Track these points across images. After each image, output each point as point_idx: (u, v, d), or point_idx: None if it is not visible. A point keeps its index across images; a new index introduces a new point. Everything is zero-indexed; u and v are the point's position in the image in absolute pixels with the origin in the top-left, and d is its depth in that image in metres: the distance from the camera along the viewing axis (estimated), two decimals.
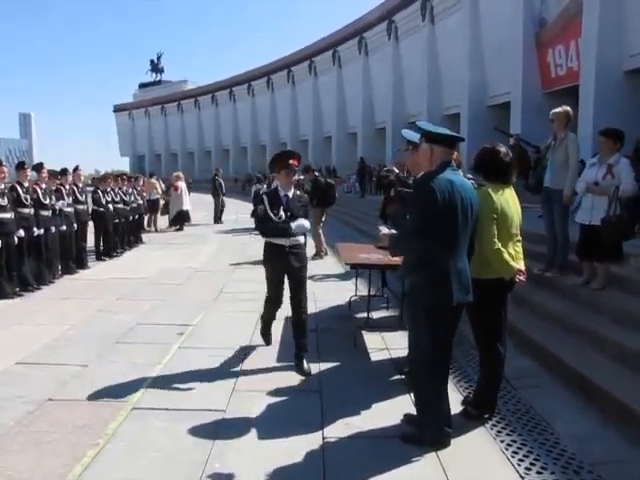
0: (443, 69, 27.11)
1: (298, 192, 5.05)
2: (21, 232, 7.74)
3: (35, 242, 8.16)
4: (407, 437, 3.52)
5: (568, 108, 6.14)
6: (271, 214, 4.76)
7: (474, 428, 3.75)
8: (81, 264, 9.98)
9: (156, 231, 16.53)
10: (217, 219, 18.96)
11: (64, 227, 9.10)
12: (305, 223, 4.82)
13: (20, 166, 8.24)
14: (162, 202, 17.07)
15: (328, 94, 39.84)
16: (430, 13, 27.98)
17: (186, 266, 10.27)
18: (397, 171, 10.55)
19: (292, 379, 4.66)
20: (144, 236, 14.61)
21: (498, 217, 3.61)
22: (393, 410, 3.97)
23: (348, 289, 7.95)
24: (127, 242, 12.92)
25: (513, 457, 3.39)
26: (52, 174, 9.16)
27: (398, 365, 4.94)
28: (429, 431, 3.46)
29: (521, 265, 3.80)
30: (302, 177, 11.29)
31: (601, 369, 4.35)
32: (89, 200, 10.87)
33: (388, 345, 5.55)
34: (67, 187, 9.47)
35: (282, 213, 4.70)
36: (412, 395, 4.18)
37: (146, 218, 16.06)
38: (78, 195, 9.91)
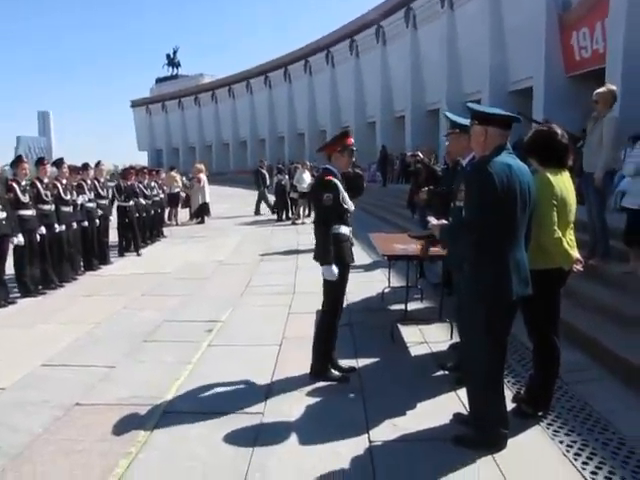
0: (463, 55, 26.55)
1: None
2: (42, 229, 7.62)
3: (57, 238, 8.03)
4: (460, 439, 3.29)
5: (613, 87, 5.80)
6: (345, 203, 4.32)
7: (529, 427, 3.52)
8: (104, 260, 9.87)
9: (177, 224, 16.45)
10: (257, 211, 18.88)
11: (86, 222, 8.99)
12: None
13: (39, 162, 8.13)
14: (183, 195, 16.92)
15: (345, 84, 39.38)
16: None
17: (210, 259, 10.11)
18: (422, 156, 10.23)
19: None
20: (165, 230, 14.47)
21: (558, 203, 3.39)
22: (440, 409, 3.74)
23: (378, 280, 7.74)
24: (149, 237, 12.81)
25: (576, 460, 3.15)
26: (73, 169, 9.06)
27: (439, 360, 4.72)
28: (485, 433, 3.24)
29: (576, 253, 3.56)
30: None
31: None
32: (110, 195, 10.74)
33: (427, 338, 5.34)
34: (89, 182, 9.34)
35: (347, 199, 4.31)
36: (458, 393, 3.96)
37: (167, 212, 15.93)
38: (100, 190, 9.79)
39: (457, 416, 3.60)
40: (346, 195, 4.28)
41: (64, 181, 8.46)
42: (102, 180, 10.28)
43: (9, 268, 7.26)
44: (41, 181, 7.91)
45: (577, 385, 4.10)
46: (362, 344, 5.20)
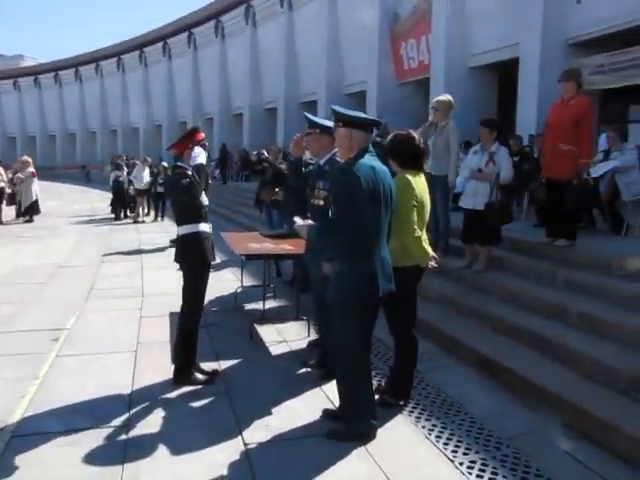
0: (301, 56, 27.18)
1: None
2: None
3: None
4: (333, 434, 3.38)
5: (451, 97, 6.35)
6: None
7: (394, 416, 3.72)
8: None
9: (1, 223, 14.71)
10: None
11: None
12: None
13: None
14: (8, 191, 15.20)
15: (183, 78, 38.13)
16: (289, 0, 27.84)
17: (45, 262, 9.23)
18: (267, 155, 10.46)
19: None
20: None
21: (417, 204, 3.59)
22: (309, 406, 3.81)
23: (228, 280, 7.70)
24: None
25: (438, 441, 3.40)
26: None
27: (300, 357, 4.77)
28: (356, 425, 3.36)
29: (431, 251, 3.80)
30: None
31: (497, 346, 4.56)
32: None
33: (285, 337, 5.39)
34: None
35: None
36: (323, 389, 4.05)
37: None
38: None
39: (326, 412, 3.68)
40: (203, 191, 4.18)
41: None
42: None
43: None
44: None
45: (430, 373, 4.41)
46: (221, 346, 5.11)
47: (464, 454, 3.22)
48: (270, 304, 6.30)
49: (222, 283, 7.34)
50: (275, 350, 5.05)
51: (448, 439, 3.41)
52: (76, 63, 49.65)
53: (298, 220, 3.50)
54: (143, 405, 3.84)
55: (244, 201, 15.59)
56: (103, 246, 11.12)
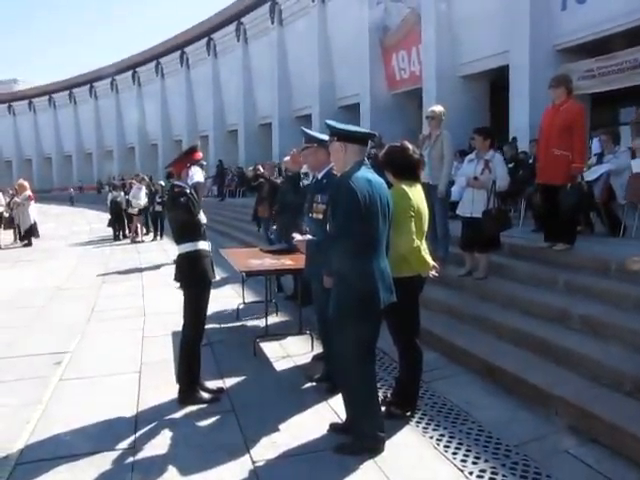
0: (293, 71, 27.32)
1: None
2: None
3: None
4: (341, 448, 3.36)
5: (442, 108, 6.40)
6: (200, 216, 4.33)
7: (401, 428, 3.70)
8: None
9: (0, 248, 14.67)
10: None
11: None
12: None
13: None
14: (6, 215, 15.16)
15: (177, 96, 38.28)
16: (279, 16, 28.02)
17: (46, 285, 9.19)
18: (262, 170, 10.44)
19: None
20: None
21: (414, 214, 3.59)
22: (316, 421, 3.79)
23: (229, 296, 7.65)
24: None
25: (446, 451, 3.38)
26: None
27: (305, 372, 4.76)
28: (364, 438, 3.33)
29: (431, 260, 3.81)
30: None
31: (500, 352, 4.55)
32: None
33: (289, 352, 5.36)
34: None
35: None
36: (329, 403, 4.03)
37: None
38: None
39: (333, 426, 3.66)
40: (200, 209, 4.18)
41: None
42: None
43: None
44: None
45: (436, 382, 4.40)
46: (225, 363, 5.08)
47: (473, 463, 3.21)
48: (272, 320, 6.29)
49: (223, 300, 7.30)
50: (279, 365, 5.03)
51: (457, 448, 3.39)
52: (70, 85, 49.81)
53: (297, 235, 3.55)
54: (149, 426, 3.81)
55: (242, 217, 15.60)
56: (103, 267, 11.06)
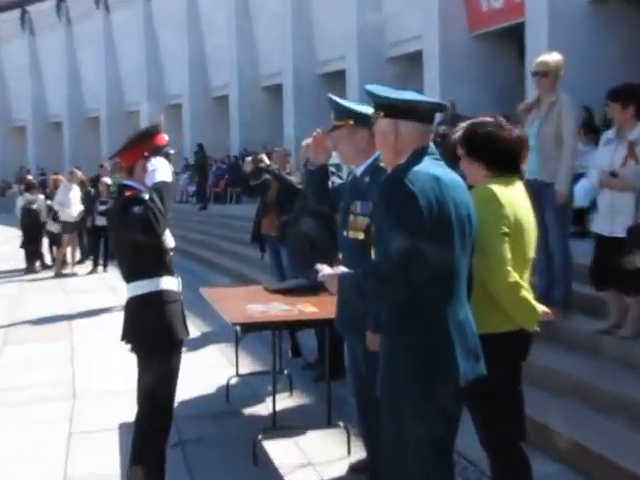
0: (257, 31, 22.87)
1: None
2: None
3: None
4: None
5: (559, 56, 4.81)
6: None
7: None
8: None
9: None
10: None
11: None
12: None
13: None
14: None
15: (20, 77, 34.45)
16: None
17: None
18: (268, 162, 7.00)
19: None
20: None
21: (510, 230, 2.53)
22: None
23: (215, 364, 5.92)
24: None
25: None
26: None
27: None
28: None
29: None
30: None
31: None
32: None
33: (311, 458, 3.91)
34: None
35: None
36: None
37: None
38: None
39: None
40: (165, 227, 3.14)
41: None
42: None
43: None
44: None
45: None
46: (207, 477, 3.76)
47: None
48: (284, 403, 4.73)
49: (205, 371, 5.56)
50: None
51: None
52: None
53: (324, 268, 2.51)
54: None
55: (236, 235, 12.13)
56: (7, 316, 8.57)
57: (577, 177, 4.97)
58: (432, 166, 2.32)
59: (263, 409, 4.59)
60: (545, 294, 4.67)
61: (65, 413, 4.82)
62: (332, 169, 4.35)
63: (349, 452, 3.89)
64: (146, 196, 2.96)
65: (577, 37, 10.43)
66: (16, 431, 4.52)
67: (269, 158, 7.44)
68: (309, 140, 4.42)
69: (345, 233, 3.12)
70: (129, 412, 3.21)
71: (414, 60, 15.40)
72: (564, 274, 4.76)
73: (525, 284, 2.58)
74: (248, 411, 4.80)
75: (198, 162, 18.30)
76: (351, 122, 3.11)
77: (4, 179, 35.57)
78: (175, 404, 3.20)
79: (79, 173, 12.66)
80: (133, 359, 3.14)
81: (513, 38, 12.65)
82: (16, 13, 33.56)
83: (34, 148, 32.24)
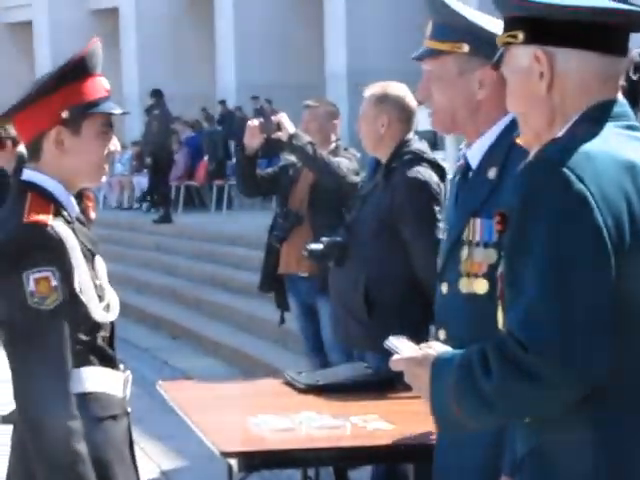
0: None
1: None
2: None
3: None
4: None
5: None
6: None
7: None
8: None
9: None
10: None
11: None
12: None
13: None
14: None
15: None
16: None
17: None
18: (292, 129, 4.13)
19: None
20: None
21: None
22: None
23: None
24: None
25: None
26: None
27: None
28: None
29: None
30: None
31: None
32: None
33: None
34: None
35: None
36: None
37: None
38: None
39: None
40: (101, 271, 1.76)
41: None
42: None
43: None
44: None
45: None
46: None
47: None
48: None
49: None
50: None
51: None
52: None
53: (402, 343, 1.41)
54: None
55: (225, 275, 7.57)
56: None
57: None
58: (622, 143, 1.30)
59: None
60: None
61: None
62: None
63: None
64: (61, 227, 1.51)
65: None
66: None
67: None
68: (370, 91, 3.07)
69: (447, 286, 1.84)
70: None
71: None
72: None
73: None
74: None
75: (153, 129, 9.88)
76: (465, 48, 1.79)
77: None
78: None
79: None
80: None
81: None
82: None
83: None
